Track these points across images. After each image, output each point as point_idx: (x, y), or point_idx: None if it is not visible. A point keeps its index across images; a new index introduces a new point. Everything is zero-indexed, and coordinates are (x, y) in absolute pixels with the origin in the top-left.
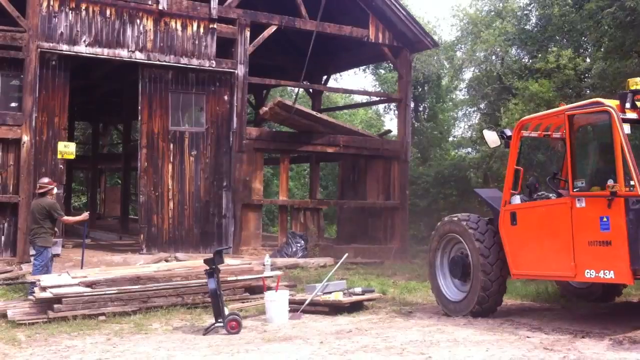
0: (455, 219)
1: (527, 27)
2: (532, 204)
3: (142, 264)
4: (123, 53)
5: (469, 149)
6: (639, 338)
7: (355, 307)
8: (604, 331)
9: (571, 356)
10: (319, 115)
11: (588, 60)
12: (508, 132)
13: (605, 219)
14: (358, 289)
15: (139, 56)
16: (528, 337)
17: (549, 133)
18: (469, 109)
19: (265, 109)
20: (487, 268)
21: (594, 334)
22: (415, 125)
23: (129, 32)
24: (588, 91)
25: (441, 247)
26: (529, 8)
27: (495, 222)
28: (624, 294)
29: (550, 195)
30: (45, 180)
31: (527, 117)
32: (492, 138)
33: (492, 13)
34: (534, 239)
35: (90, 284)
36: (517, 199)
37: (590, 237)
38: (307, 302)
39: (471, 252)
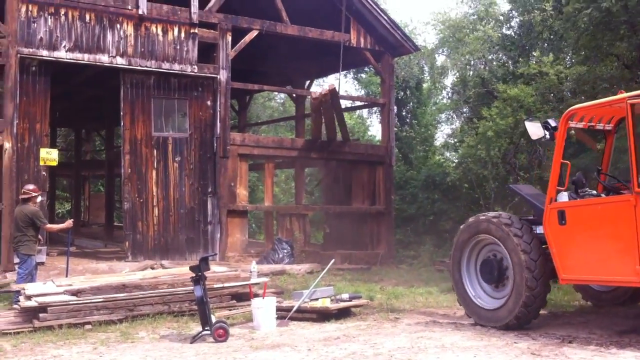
0: (494, 219)
1: (510, 32)
2: (585, 201)
3: (127, 272)
4: (104, 58)
5: (450, 153)
6: (625, 343)
7: (342, 314)
8: (590, 336)
9: None
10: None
11: (568, 66)
12: (553, 123)
13: None
14: (345, 295)
15: (120, 61)
16: (515, 342)
17: (593, 124)
18: (452, 114)
19: (321, 92)
20: (532, 284)
21: (580, 339)
22: (398, 130)
23: (109, 37)
24: (569, 94)
25: (468, 249)
26: (511, 14)
27: (538, 221)
28: None
29: (593, 192)
30: (31, 187)
31: (575, 106)
32: (534, 129)
33: (474, 17)
34: (588, 240)
35: (75, 292)
36: (564, 196)
37: None
38: (294, 309)
39: (513, 262)
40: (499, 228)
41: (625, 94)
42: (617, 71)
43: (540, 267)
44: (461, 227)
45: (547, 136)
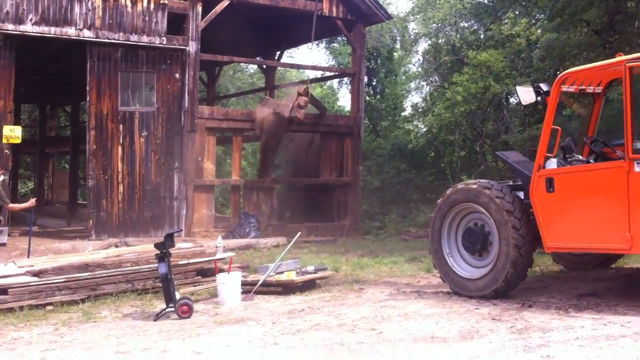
0: (474, 186)
1: None
2: (576, 168)
3: (91, 251)
4: (71, 31)
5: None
6: (583, 306)
7: (308, 286)
8: (550, 300)
9: (518, 325)
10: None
11: (539, 31)
12: (545, 87)
13: None
14: (311, 268)
15: (87, 34)
16: (477, 308)
17: (583, 88)
18: (422, 82)
19: (301, 111)
20: (519, 242)
21: (540, 303)
22: (366, 100)
23: (76, 9)
24: (537, 61)
25: (449, 218)
26: None
27: (524, 188)
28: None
29: (582, 158)
30: None
31: (570, 69)
32: (525, 94)
33: None
34: (576, 207)
35: (37, 273)
36: (553, 163)
37: None
38: (259, 283)
39: (498, 224)
40: (480, 194)
41: (623, 57)
42: (586, 37)
43: (525, 226)
44: (439, 200)
45: (539, 101)
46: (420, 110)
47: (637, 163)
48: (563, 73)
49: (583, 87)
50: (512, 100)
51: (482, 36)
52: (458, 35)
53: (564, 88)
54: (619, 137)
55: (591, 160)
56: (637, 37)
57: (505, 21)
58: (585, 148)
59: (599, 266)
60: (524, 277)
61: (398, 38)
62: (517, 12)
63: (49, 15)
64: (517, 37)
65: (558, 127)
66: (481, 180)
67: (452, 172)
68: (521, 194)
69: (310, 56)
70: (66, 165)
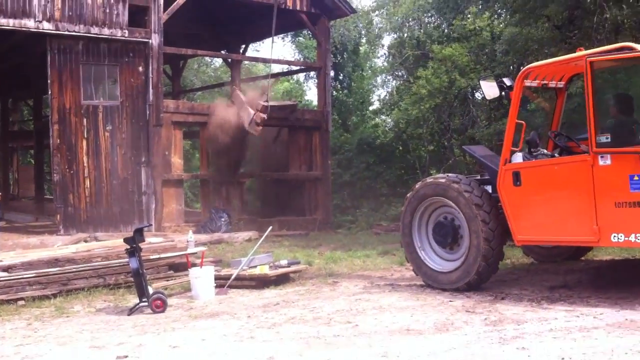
0: (442, 180)
1: None
2: (542, 162)
3: (60, 246)
4: (30, 23)
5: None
6: (555, 298)
7: (281, 280)
8: (522, 292)
9: (492, 317)
10: (284, 103)
11: (502, 25)
12: (508, 82)
13: (637, 178)
14: (284, 262)
15: (47, 26)
16: (451, 301)
17: (546, 82)
18: (388, 77)
19: (258, 128)
20: (489, 235)
21: (513, 296)
22: (334, 95)
23: (35, 0)
24: (500, 55)
25: (419, 212)
26: None
27: (492, 182)
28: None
29: (546, 151)
30: None
31: (532, 64)
32: (489, 89)
33: None
34: (543, 201)
35: (6, 268)
36: (518, 157)
37: (617, 198)
38: (233, 277)
39: (467, 217)
40: (448, 188)
41: (584, 52)
42: (547, 32)
43: (494, 219)
44: (408, 194)
45: (503, 96)
46: (387, 104)
47: (601, 157)
48: (525, 68)
49: (545, 81)
50: (478, 94)
51: (445, 31)
52: (422, 30)
53: (527, 83)
54: (580, 131)
55: (556, 154)
56: (596, 32)
57: (468, 16)
58: (549, 142)
59: (569, 259)
60: (496, 270)
61: (363, 32)
62: (479, 7)
63: (7, 6)
64: (480, 31)
65: (522, 122)
66: (449, 175)
67: (420, 166)
68: (489, 188)
69: (274, 50)
70: (31, 160)
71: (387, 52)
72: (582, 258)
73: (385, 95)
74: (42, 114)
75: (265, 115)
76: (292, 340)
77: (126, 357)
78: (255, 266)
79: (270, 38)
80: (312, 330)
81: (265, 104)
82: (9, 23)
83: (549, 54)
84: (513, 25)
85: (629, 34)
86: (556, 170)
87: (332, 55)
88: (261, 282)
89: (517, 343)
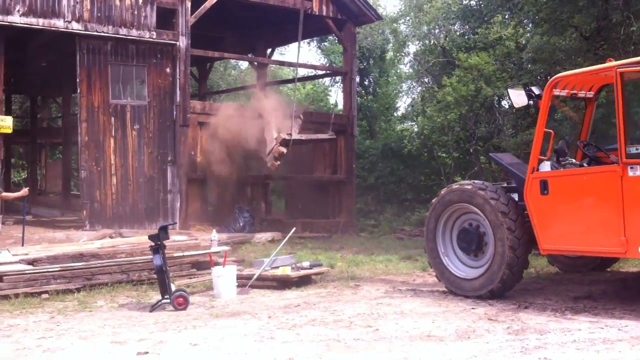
0: (469, 187)
1: (470, 2)
2: (570, 171)
3: (85, 241)
4: (59, 23)
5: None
6: (579, 309)
7: (303, 281)
8: (546, 302)
9: (515, 327)
10: (318, 137)
11: (528, 35)
12: (537, 91)
13: None
14: (306, 263)
15: (76, 27)
16: (473, 308)
17: (575, 92)
18: (414, 83)
19: (275, 163)
20: (514, 243)
21: (536, 305)
22: (359, 100)
23: (64, 1)
24: (529, 65)
25: (444, 218)
26: None
27: (519, 190)
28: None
29: (575, 161)
30: None
31: (561, 74)
32: (517, 97)
33: None
34: (571, 210)
35: (31, 262)
36: (546, 166)
37: None
38: (255, 276)
39: (493, 225)
40: (474, 195)
41: (614, 62)
42: (575, 42)
43: (519, 228)
44: (433, 200)
45: (531, 105)
46: (413, 111)
47: (631, 167)
48: (554, 77)
49: (574, 91)
50: (504, 103)
51: (470, 39)
52: (447, 38)
53: (556, 92)
54: (609, 141)
55: (584, 164)
56: (624, 44)
57: (493, 26)
58: (578, 152)
59: (595, 269)
60: (520, 278)
61: (390, 38)
62: (506, 17)
63: (37, 6)
64: (505, 40)
65: (551, 131)
66: (475, 181)
67: (445, 172)
68: (515, 196)
69: (301, 54)
70: (59, 155)
71: (412, 59)
72: (608, 269)
73: (411, 102)
74: (71, 111)
75: (285, 150)
76: (312, 342)
77: (147, 353)
78: (278, 267)
79: (297, 42)
80: (333, 333)
81: (288, 137)
82: (39, 22)
83: (577, 64)
84: (540, 35)
85: None
86: (585, 180)
87: (357, 61)
88: (283, 283)
89: (539, 353)
